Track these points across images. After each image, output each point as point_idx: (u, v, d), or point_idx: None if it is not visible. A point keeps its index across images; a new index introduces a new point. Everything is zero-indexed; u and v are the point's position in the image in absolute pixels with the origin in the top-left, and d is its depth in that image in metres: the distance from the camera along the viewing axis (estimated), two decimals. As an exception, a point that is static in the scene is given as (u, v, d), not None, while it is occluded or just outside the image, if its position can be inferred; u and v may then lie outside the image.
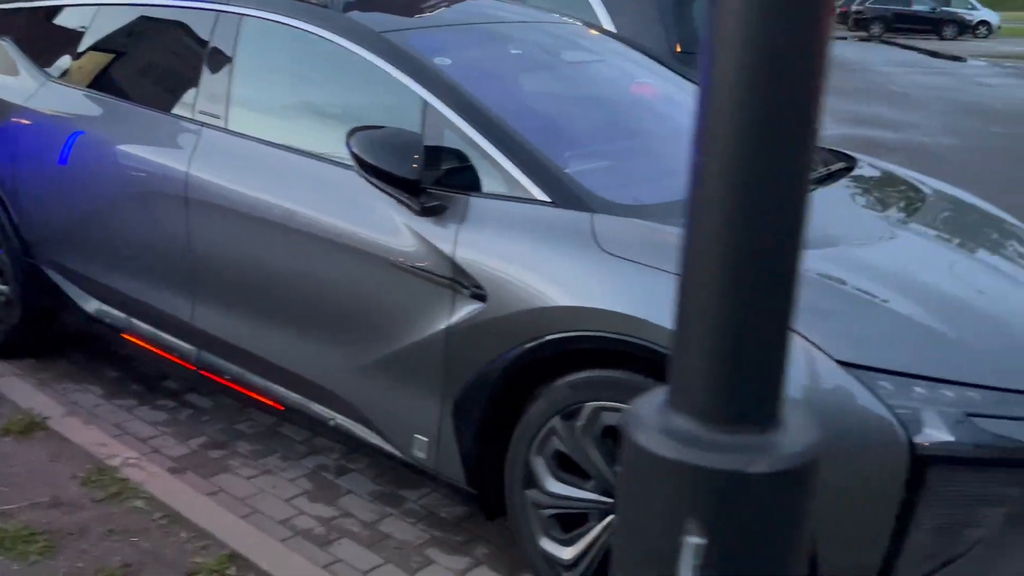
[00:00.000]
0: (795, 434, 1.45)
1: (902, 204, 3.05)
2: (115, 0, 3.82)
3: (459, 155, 2.73)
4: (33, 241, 3.85)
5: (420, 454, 2.78)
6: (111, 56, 3.83)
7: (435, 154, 2.74)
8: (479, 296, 2.57)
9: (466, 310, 2.59)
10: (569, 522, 2.57)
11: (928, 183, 3.42)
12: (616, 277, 2.39)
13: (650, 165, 3.05)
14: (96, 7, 3.85)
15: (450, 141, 2.75)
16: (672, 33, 5.07)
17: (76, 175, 3.61)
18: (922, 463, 2.09)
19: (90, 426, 3.46)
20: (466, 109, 2.74)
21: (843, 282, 2.35)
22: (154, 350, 3.50)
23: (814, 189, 2.96)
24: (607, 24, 5.17)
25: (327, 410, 3.00)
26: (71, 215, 3.68)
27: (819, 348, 2.15)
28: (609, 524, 2.48)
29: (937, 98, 15.46)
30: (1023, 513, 2.21)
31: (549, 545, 2.60)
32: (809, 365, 2.14)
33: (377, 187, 2.68)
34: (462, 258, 2.60)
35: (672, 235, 2.43)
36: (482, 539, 2.97)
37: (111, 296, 3.60)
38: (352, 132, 2.68)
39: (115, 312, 3.60)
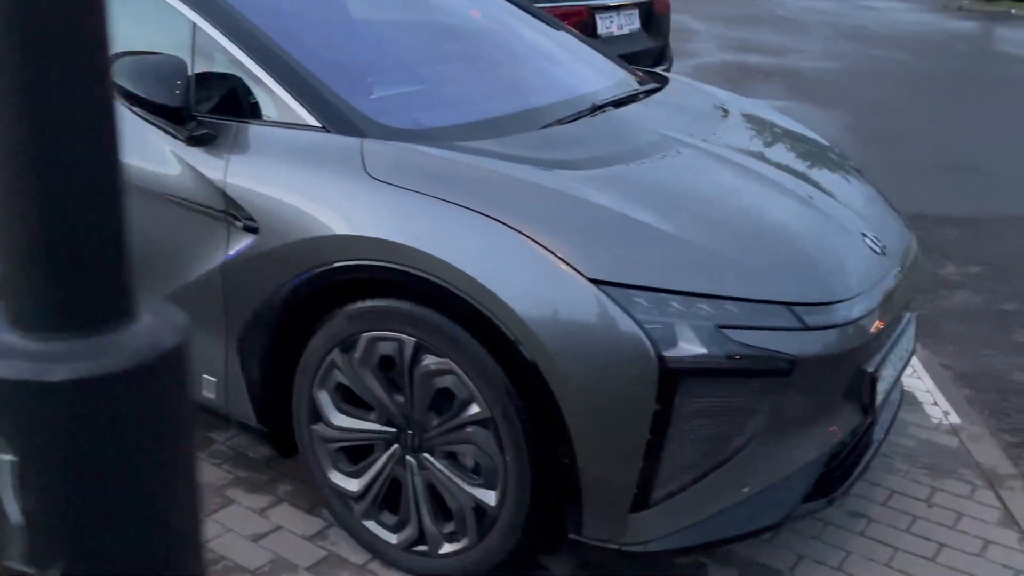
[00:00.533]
0: (134, 337, 1.37)
1: (697, 124, 3.03)
2: None
3: (231, 81, 2.60)
4: None
5: (209, 395, 2.70)
6: None
7: (207, 81, 2.61)
8: (251, 228, 2.48)
9: (240, 243, 2.50)
10: (357, 454, 2.54)
11: (738, 103, 3.41)
12: (381, 203, 2.32)
13: (453, 90, 2.96)
14: None
15: (221, 66, 2.62)
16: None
17: None
18: (673, 376, 2.10)
19: None
20: (236, 32, 2.61)
21: (603, 200, 2.32)
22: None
23: (603, 111, 2.95)
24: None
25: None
26: None
27: (570, 265, 2.12)
28: (394, 454, 2.46)
29: (822, 23, 15.63)
30: (780, 420, 2.25)
31: (338, 478, 2.56)
32: (559, 282, 2.12)
33: (142, 117, 2.54)
34: (233, 189, 2.50)
35: (442, 159, 2.39)
36: (287, 477, 2.92)
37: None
38: (113, 59, 2.52)
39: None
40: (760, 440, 2.24)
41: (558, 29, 3.70)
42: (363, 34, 3.01)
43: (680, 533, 2.24)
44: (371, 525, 2.55)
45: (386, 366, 2.39)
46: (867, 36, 14.24)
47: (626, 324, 2.09)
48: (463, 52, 3.20)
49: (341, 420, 2.50)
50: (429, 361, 2.30)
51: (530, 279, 2.15)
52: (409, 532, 2.49)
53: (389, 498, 2.52)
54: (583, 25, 5.25)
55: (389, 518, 2.53)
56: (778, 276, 2.31)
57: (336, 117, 2.48)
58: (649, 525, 2.22)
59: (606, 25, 5.44)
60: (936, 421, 3.42)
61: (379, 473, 2.49)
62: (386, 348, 2.36)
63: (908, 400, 3.55)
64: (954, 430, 3.35)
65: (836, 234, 2.56)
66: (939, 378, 3.75)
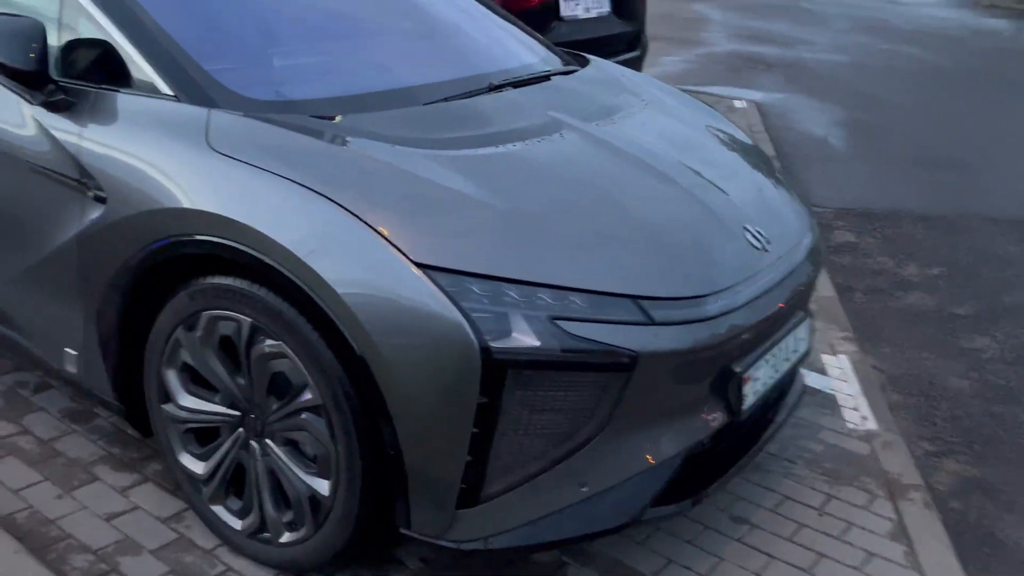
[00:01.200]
0: None
1: (597, 108, 2.91)
2: None
3: (97, 46, 2.52)
4: None
5: (71, 368, 2.63)
6: None
7: (74, 45, 2.53)
8: (100, 198, 2.40)
9: (92, 214, 2.42)
10: (205, 436, 2.46)
11: (655, 91, 3.28)
12: (217, 176, 2.23)
13: (333, 63, 2.86)
14: None
15: (87, 31, 2.54)
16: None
17: None
18: (500, 368, 1.99)
19: None
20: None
21: (450, 182, 2.22)
22: None
23: (499, 90, 2.83)
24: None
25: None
26: None
27: (397, 247, 2.02)
28: (238, 438, 2.38)
29: (842, 15, 15.32)
30: (624, 418, 2.14)
31: (188, 460, 2.49)
32: (384, 264, 2.02)
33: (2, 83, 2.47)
34: (86, 157, 2.42)
35: (282, 133, 2.30)
36: (159, 457, 2.85)
37: None
38: (-27, 21, 2.45)
39: None
40: (602, 438, 2.14)
41: (482, 4, 3.58)
42: (250, 4, 2.90)
43: (514, 532, 2.14)
44: (218, 509, 2.47)
45: (227, 346, 2.31)
46: (885, 30, 13.93)
47: (449, 312, 1.98)
48: (359, 24, 3.09)
49: (187, 401, 2.43)
50: (265, 344, 2.21)
51: (355, 260, 2.05)
52: (252, 519, 2.41)
53: (236, 483, 2.44)
54: (544, 6, 5.13)
55: (235, 503, 2.45)
56: (625, 267, 2.19)
57: (188, 86, 2.39)
58: (480, 522, 2.12)
59: (571, 7, 5.30)
60: (851, 426, 3.29)
61: (224, 457, 2.41)
62: (226, 328, 2.28)
63: (827, 403, 3.42)
64: (868, 436, 3.22)
65: (708, 227, 2.43)
66: (867, 381, 3.61)
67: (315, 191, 2.11)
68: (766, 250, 2.50)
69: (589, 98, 3.02)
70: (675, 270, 2.26)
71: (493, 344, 1.98)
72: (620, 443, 2.17)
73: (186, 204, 2.24)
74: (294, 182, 2.14)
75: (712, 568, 2.54)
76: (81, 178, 2.43)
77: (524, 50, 3.35)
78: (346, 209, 2.08)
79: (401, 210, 2.11)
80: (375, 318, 2.02)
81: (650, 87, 3.32)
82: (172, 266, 2.33)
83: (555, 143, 2.58)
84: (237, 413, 2.36)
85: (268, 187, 2.16)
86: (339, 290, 2.03)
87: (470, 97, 2.76)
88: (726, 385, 2.34)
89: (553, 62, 3.33)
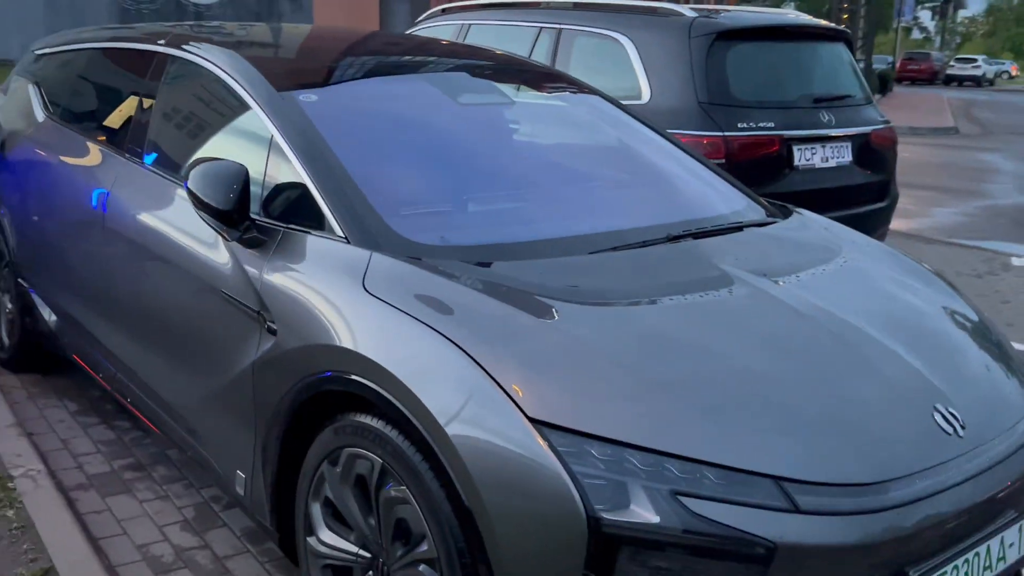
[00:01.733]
0: None
1: (784, 264, 2.71)
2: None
3: (288, 188, 2.71)
4: (22, 263, 4.16)
5: (240, 490, 2.74)
6: (94, 97, 4.12)
7: (271, 187, 2.74)
8: (272, 330, 2.52)
9: (266, 344, 2.55)
10: (342, 574, 2.45)
11: (860, 247, 3.02)
12: (367, 319, 2.27)
13: (502, 208, 2.88)
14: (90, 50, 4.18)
15: (284, 175, 2.74)
16: (700, 86, 4.86)
17: (46, 203, 3.90)
18: (611, 543, 1.83)
19: (22, 437, 3.66)
20: (300, 142, 2.71)
21: (587, 336, 2.12)
22: (88, 369, 3.68)
23: (678, 241, 2.72)
24: (645, 85, 5.02)
25: (189, 438, 3.02)
26: (41, 240, 3.96)
27: (514, 401, 1.94)
28: (368, 580, 2.34)
29: None
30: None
31: (324, 596, 2.48)
32: (501, 418, 1.94)
33: (203, 219, 2.70)
34: (264, 290, 2.56)
35: (430, 278, 2.31)
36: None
37: (64, 317, 3.82)
38: (192, 165, 2.72)
39: (68, 333, 3.82)
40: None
41: (682, 151, 3.51)
42: (443, 147, 3.01)
43: None
44: (346, 651, 2.42)
45: (362, 486, 2.30)
46: None
47: (557, 473, 1.86)
48: (550, 169, 3.11)
49: (327, 536, 2.43)
50: (392, 487, 2.19)
51: (475, 412, 1.99)
52: (374, 665, 2.34)
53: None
54: (775, 156, 4.96)
55: (362, 646, 2.40)
56: (771, 444, 1.96)
57: (358, 228, 2.49)
58: None
59: (805, 157, 5.09)
60: None
61: (354, 598, 2.38)
62: (362, 467, 2.28)
63: None
64: None
65: (884, 404, 2.15)
66: None
67: (448, 339, 2.09)
68: (959, 435, 2.16)
69: (777, 252, 2.83)
70: (833, 451, 2.00)
71: (604, 515, 1.83)
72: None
73: (335, 341, 2.30)
74: (431, 328, 2.13)
75: None
76: (260, 310, 2.57)
77: (719, 199, 3.22)
78: (473, 359, 2.03)
79: (523, 363, 2.03)
80: (485, 472, 1.94)
81: (859, 245, 3.07)
82: (327, 401, 2.38)
83: (720, 299, 2.42)
84: (368, 555, 2.33)
85: (406, 331, 2.17)
86: (451, 436, 1.98)
87: (643, 247, 2.67)
88: (897, 591, 2.01)
89: (752, 213, 3.18)
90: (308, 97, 2.92)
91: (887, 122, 5.66)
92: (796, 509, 1.89)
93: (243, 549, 3.07)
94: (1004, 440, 2.26)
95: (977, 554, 2.15)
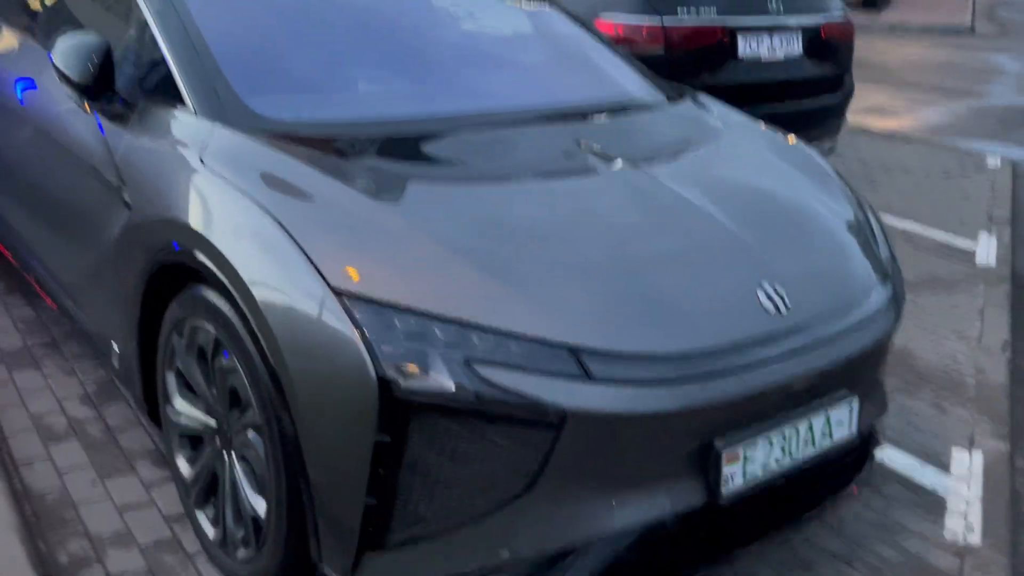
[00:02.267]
0: None
1: (647, 146, 2.69)
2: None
3: (150, 62, 2.69)
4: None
5: (115, 363, 2.80)
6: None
7: (132, 60, 2.73)
8: (128, 203, 2.54)
9: (124, 217, 2.57)
10: (195, 442, 2.52)
11: (746, 131, 2.98)
12: (200, 191, 2.28)
13: (386, 87, 2.84)
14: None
15: (148, 48, 2.71)
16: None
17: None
18: (404, 408, 1.86)
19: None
20: (160, 14, 2.68)
21: (398, 212, 2.13)
22: (3, 250, 3.73)
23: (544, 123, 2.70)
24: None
25: (77, 312, 3.07)
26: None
27: (319, 271, 1.96)
28: (215, 447, 2.40)
29: None
30: (555, 482, 1.93)
31: (181, 463, 2.55)
32: (308, 287, 1.96)
33: (68, 93, 2.69)
34: (121, 163, 2.57)
35: (278, 156, 2.30)
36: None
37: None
38: (55, 39, 2.70)
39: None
40: (528, 500, 1.94)
41: (590, 34, 3.44)
42: (313, 26, 2.95)
43: (421, 587, 1.99)
44: (200, 515, 2.51)
45: (204, 356, 2.35)
46: None
47: (352, 341, 1.89)
48: (429, 50, 3.05)
49: (181, 405, 2.50)
50: (224, 357, 2.23)
51: (283, 280, 2.01)
52: (219, 530, 2.42)
53: (210, 491, 2.47)
54: (718, 46, 4.85)
55: (211, 512, 2.48)
56: (573, 313, 1.98)
57: (207, 100, 2.47)
58: (384, 570, 1.99)
59: (750, 47, 4.97)
60: (948, 537, 2.78)
61: (204, 464, 2.45)
62: (202, 338, 2.32)
63: (933, 505, 2.92)
64: (963, 552, 2.71)
65: (708, 278, 2.16)
66: (996, 486, 3.05)
67: (264, 208, 2.10)
68: (781, 313, 2.17)
69: (646, 134, 2.80)
70: (636, 322, 2.01)
71: (397, 381, 1.86)
72: (552, 508, 1.95)
73: (171, 214, 2.31)
74: (249, 197, 2.14)
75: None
76: (119, 183, 2.58)
77: (612, 83, 3.17)
78: (286, 230, 2.04)
79: (336, 236, 2.04)
80: (289, 337, 1.97)
81: (743, 131, 3.03)
82: (175, 273, 2.41)
83: (563, 178, 2.40)
84: (215, 424, 2.39)
85: (227, 201, 2.18)
86: (259, 302, 2.01)
87: (510, 128, 2.65)
88: (704, 462, 2.05)
89: (646, 97, 3.13)
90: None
91: (844, 15, 5.50)
92: (589, 377, 1.91)
93: (136, 422, 3.15)
94: (837, 321, 2.27)
95: (796, 430, 2.18)
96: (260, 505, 2.21)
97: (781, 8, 5.05)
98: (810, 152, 3.03)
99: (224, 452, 2.36)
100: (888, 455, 3.19)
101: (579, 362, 1.92)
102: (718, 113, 3.14)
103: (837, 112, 5.52)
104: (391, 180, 2.26)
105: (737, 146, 2.87)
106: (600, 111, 2.90)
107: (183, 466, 2.54)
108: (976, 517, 2.87)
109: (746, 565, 2.57)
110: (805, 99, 5.23)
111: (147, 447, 3.01)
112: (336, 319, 1.92)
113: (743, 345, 2.08)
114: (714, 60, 4.85)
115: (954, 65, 14.04)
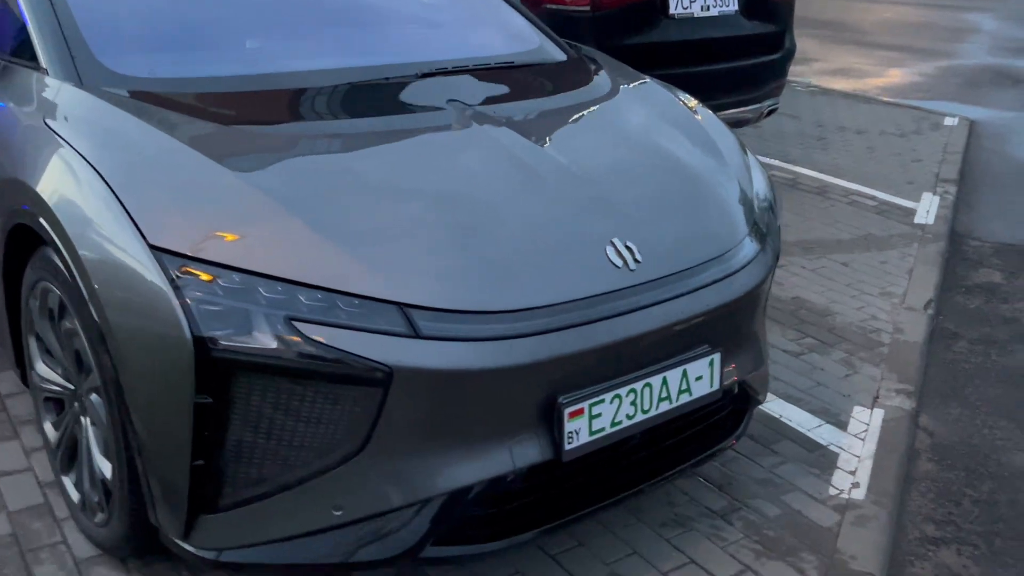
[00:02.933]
0: None
1: (524, 103, 2.64)
2: None
3: (14, 22, 2.63)
4: None
5: (-10, 329, 2.76)
6: None
7: (4, 21, 2.67)
8: (-13, 164, 2.49)
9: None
10: (59, 405, 2.49)
11: (625, 89, 2.93)
12: (40, 152, 2.23)
13: (239, 46, 2.79)
14: None
15: (11, 9, 2.65)
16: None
17: None
18: (224, 367, 1.83)
19: None
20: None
21: (231, 164, 2.08)
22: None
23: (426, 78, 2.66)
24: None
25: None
26: None
27: (138, 227, 1.92)
28: (73, 411, 2.38)
29: None
30: (388, 439, 1.90)
31: (47, 427, 2.53)
32: (127, 243, 1.92)
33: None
34: (-19, 126, 2.52)
35: (120, 114, 2.25)
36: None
37: None
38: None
39: None
40: (362, 459, 1.91)
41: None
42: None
43: (254, 548, 1.97)
44: (65, 480, 2.49)
45: (54, 318, 2.32)
46: None
47: (168, 299, 1.85)
48: (313, 7, 2.99)
49: (42, 369, 2.46)
50: (67, 320, 2.19)
51: (107, 238, 1.97)
52: (80, 493, 2.40)
53: (71, 455, 2.45)
54: (647, 4, 4.77)
55: (74, 476, 2.46)
56: (401, 271, 1.94)
57: (59, 59, 2.42)
58: (217, 532, 1.97)
59: (682, 4, 4.89)
60: (832, 491, 2.76)
61: (65, 428, 2.43)
62: (51, 300, 2.28)
63: (822, 461, 2.91)
64: (845, 507, 2.69)
65: (551, 234, 2.12)
66: (890, 443, 3.03)
67: (93, 166, 2.06)
68: (630, 268, 2.14)
69: (520, 93, 2.74)
70: (468, 279, 1.98)
71: (212, 339, 1.83)
72: (386, 466, 1.93)
73: (18, 176, 2.27)
74: (80, 155, 2.10)
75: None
76: (-24, 144, 2.53)
77: (505, 42, 3.12)
78: (111, 188, 2.00)
79: (165, 193, 2.00)
80: (110, 294, 1.94)
81: (631, 90, 2.97)
82: (32, 236, 2.37)
83: (418, 137, 2.35)
84: (72, 387, 2.36)
85: (61, 159, 2.14)
86: (83, 259, 1.97)
87: (381, 84, 2.60)
88: (548, 418, 2.03)
89: (535, 55, 3.07)
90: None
91: (783, -30, 5.41)
92: (416, 335, 1.88)
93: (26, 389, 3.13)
94: (693, 276, 2.23)
95: (649, 385, 2.15)
96: (107, 468, 2.18)
97: (715, -36, 4.97)
98: (698, 111, 2.97)
99: (80, 416, 2.33)
100: (787, 412, 3.17)
101: (407, 319, 1.89)
102: (607, 72, 3.09)
103: (777, 72, 5.45)
104: (234, 137, 2.21)
105: (616, 105, 2.82)
106: (481, 68, 2.84)
107: (49, 430, 2.51)
108: (864, 474, 2.85)
109: (623, 523, 2.56)
110: (741, 59, 5.16)
111: (32, 415, 2.98)
112: (155, 277, 1.88)
113: (587, 301, 2.05)
114: (643, 18, 4.77)
115: (930, 25, 13.92)
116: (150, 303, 1.88)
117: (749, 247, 2.41)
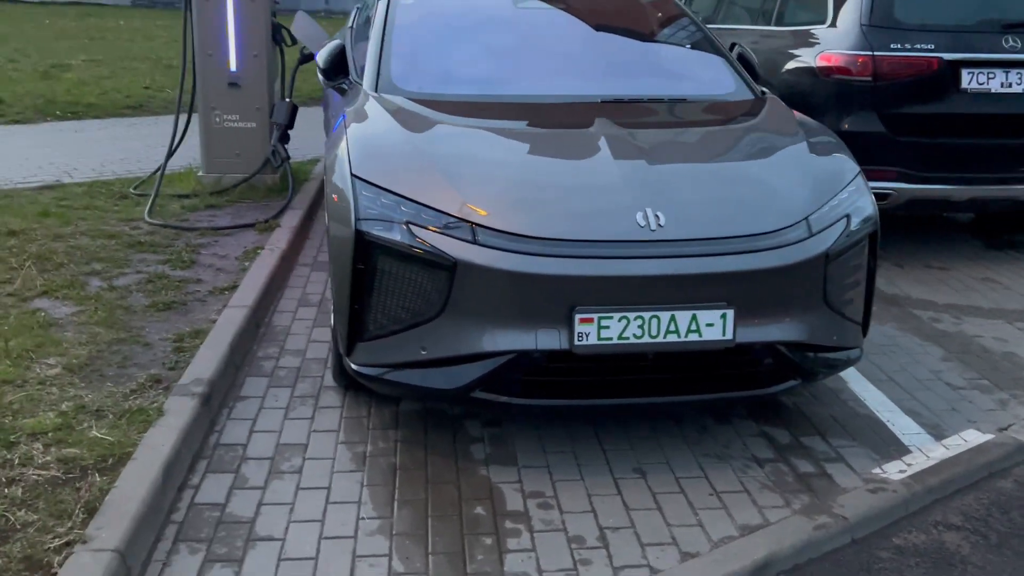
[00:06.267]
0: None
1: (651, 128, 3.59)
2: None
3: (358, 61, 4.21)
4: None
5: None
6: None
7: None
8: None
9: None
10: None
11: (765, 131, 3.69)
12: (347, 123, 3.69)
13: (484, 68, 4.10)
14: None
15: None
16: (866, 9, 5.26)
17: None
18: (369, 247, 3.04)
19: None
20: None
21: (415, 138, 3.36)
22: None
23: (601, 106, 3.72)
24: (831, 11, 5.54)
25: None
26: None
27: (350, 163, 3.22)
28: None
29: None
30: (457, 309, 2.96)
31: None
32: (341, 169, 3.24)
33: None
34: (331, 119, 4.12)
35: (381, 107, 3.65)
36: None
37: None
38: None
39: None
40: (442, 318, 2.99)
41: (710, 44, 4.33)
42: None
43: (379, 367, 3.14)
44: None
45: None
46: None
47: (350, 206, 3.12)
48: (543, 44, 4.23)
49: (330, 268, 3.92)
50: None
51: (338, 167, 3.31)
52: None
53: None
54: (934, 76, 5.11)
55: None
56: (474, 201, 3.02)
57: (369, 79, 3.90)
58: (364, 354, 3.17)
59: (977, 80, 5.11)
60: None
61: (333, 306, 3.84)
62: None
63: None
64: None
65: (602, 200, 3.08)
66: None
67: (346, 128, 3.44)
68: (652, 229, 2.96)
69: (670, 116, 3.67)
70: (516, 213, 3.00)
71: (364, 229, 3.06)
72: (454, 325, 2.99)
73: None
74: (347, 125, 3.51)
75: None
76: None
77: (697, 84, 4.06)
78: (347, 139, 3.36)
79: (372, 146, 3.35)
80: (331, 205, 3.27)
81: (770, 119, 3.74)
82: None
83: (554, 130, 3.43)
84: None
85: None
86: (327, 180, 3.35)
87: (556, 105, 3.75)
88: (568, 321, 2.94)
89: (721, 94, 3.96)
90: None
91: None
92: (475, 242, 2.94)
93: None
94: (716, 245, 2.98)
95: (656, 317, 2.94)
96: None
97: (1020, 45, 5.20)
98: (819, 142, 3.59)
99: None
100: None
101: (472, 232, 2.96)
102: (769, 109, 3.84)
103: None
104: (431, 122, 3.54)
105: (740, 128, 3.60)
106: (655, 100, 3.82)
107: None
108: (915, 466, 3.19)
109: (674, 446, 3.27)
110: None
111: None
112: (349, 192, 3.16)
113: (606, 244, 2.94)
114: (929, 90, 5.20)
115: None
116: (344, 208, 3.17)
117: (790, 235, 3.05)
